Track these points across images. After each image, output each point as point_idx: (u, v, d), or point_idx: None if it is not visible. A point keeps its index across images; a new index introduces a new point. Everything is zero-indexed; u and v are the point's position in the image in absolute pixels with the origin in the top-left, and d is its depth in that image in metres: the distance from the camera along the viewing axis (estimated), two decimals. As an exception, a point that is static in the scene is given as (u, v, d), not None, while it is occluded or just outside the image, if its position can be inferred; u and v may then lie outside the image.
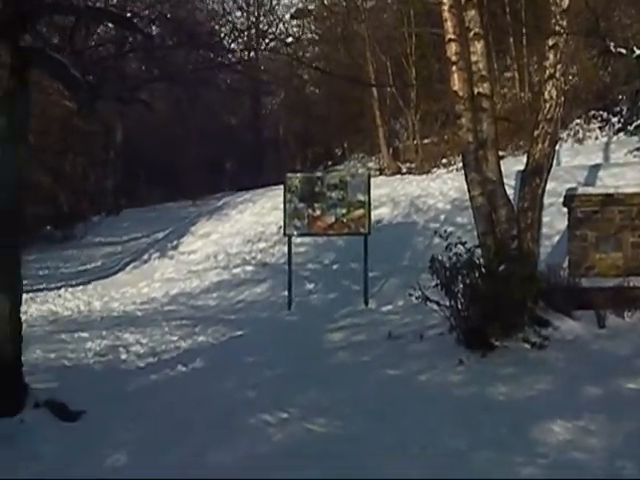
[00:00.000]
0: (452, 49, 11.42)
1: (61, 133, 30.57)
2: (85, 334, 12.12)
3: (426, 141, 32.54)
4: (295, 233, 14.93)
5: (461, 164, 26.41)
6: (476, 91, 11.30)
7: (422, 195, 19.69)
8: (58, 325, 13.64)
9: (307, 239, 17.00)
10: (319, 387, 8.54)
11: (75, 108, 12.94)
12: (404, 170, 30.56)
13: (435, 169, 29.40)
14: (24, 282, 19.99)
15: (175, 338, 11.66)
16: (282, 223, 19.42)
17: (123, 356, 10.51)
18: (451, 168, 28.38)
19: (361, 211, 14.57)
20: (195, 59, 20.34)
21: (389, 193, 19.96)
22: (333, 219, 14.62)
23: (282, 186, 21.42)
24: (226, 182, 39.16)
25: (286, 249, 17.20)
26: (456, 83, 11.41)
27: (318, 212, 14.65)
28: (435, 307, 10.56)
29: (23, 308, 16.15)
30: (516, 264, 10.22)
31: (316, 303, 14.80)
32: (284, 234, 15.06)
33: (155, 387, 8.83)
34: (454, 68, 11.41)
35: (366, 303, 14.17)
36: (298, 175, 15.42)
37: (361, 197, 14.60)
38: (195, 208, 31.39)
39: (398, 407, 7.78)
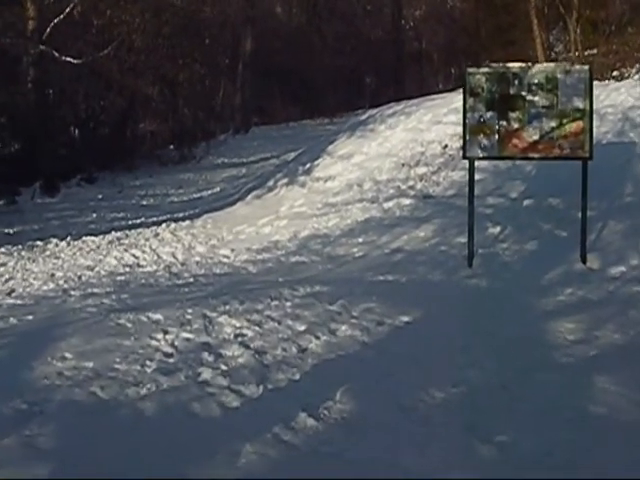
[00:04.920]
0: None
1: (176, 37, 26.34)
2: (158, 315, 7.55)
3: (588, 53, 28.13)
4: (480, 154, 10.08)
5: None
6: None
7: (637, 106, 14.66)
8: (127, 293, 9.14)
9: (483, 162, 11.86)
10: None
11: None
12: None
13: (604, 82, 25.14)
14: (119, 215, 16.91)
15: (301, 328, 7.03)
16: (447, 141, 15.03)
17: (205, 374, 5.85)
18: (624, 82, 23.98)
19: (579, 124, 9.72)
20: None
21: (591, 103, 14.93)
22: (537, 135, 9.75)
23: (442, 95, 16.77)
24: (366, 98, 36.13)
25: (455, 175, 12.86)
26: None
27: (515, 125, 9.81)
28: None
29: (98, 257, 12.54)
30: None
31: (508, 258, 10.06)
32: (463, 156, 10.19)
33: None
34: None
35: (584, 260, 9.47)
36: (484, 70, 10.44)
37: (579, 103, 9.73)
38: (333, 126, 27.43)
39: None
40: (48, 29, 20.34)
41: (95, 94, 24.45)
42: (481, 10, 36.21)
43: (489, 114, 9.93)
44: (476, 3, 36.94)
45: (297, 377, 5.84)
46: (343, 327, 7.10)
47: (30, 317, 8.12)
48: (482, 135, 9.95)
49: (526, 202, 11.80)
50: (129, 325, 7.32)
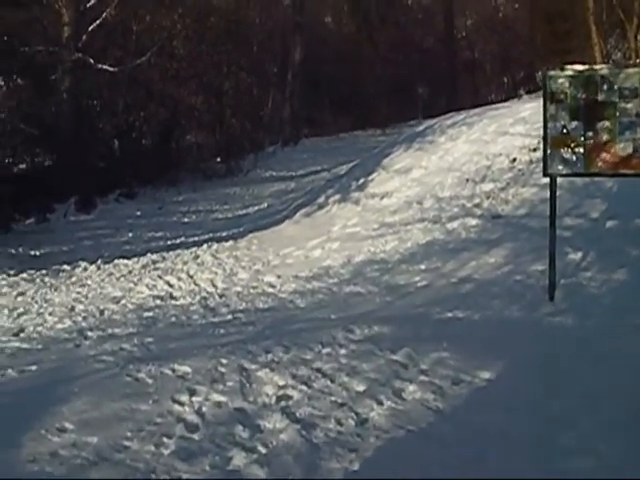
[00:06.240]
0: None
1: (221, 44, 25.09)
2: (186, 367, 6.26)
3: (650, 60, 26.96)
4: (564, 171, 8.66)
5: None
6: None
7: None
8: (152, 336, 7.86)
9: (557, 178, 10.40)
10: None
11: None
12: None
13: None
14: (157, 235, 15.54)
15: (360, 388, 5.66)
16: (515, 154, 13.63)
17: (237, 459, 4.34)
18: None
19: (680, 135, 8.30)
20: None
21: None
22: (630, 149, 8.33)
23: (506, 104, 15.44)
24: (418, 109, 35.74)
25: (526, 192, 11.68)
26: None
27: (604, 136, 8.36)
28: None
29: (128, 285, 11.16)
30: None
31: (595, 290, 8.58)
32: (544, 173, 8.76)
33: None
34: None
35: (687, 294, 8.04)
36: (568, 73, 9.02)
37: (681, 110, 8.33)
38: (385, 137, 26.52)
39: None
40: (84, 36, 19.27)
41: (136, 104, 23.33)
42: (535, 18, 34.69)
43: (574, 124, 8.52)
44: (530, 11, 35.48)
45: (356, 466, 4.48)
46: (411, 387, 5.75)
47: (33, 367, 6.86)
48: (565, 148, 8.55)
49: (609, 223, 10.34)
50: (149, 381, 6.05)
